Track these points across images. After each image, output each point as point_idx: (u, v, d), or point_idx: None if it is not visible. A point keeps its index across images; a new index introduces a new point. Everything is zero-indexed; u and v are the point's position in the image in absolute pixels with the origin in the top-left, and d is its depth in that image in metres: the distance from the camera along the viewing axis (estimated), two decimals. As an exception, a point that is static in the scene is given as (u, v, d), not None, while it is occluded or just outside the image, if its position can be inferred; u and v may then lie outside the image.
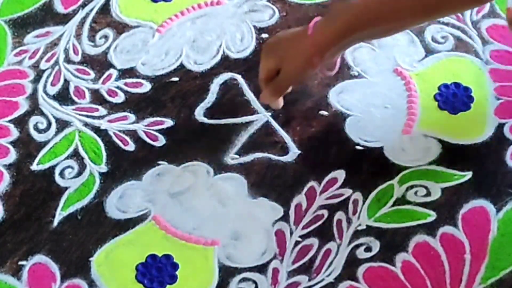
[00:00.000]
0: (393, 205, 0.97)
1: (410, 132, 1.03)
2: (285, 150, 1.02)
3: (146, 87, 1.09)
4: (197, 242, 0.95)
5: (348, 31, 0.92)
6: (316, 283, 0.92)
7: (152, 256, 0.94)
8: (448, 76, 1.08)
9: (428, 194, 0.98)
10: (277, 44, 0.98)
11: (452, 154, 1.00)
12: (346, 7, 0.94)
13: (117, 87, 1.09)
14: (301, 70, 0.96)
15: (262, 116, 1.05)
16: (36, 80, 1.10)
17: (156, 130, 1.05)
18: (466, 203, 0.97)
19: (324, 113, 1.05)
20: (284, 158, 1.02)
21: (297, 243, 0.95)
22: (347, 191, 0.98)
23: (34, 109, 1.07)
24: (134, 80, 1.10)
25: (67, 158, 1.03)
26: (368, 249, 0.94)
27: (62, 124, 1.06)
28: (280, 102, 1.02)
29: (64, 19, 1.16)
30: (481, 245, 0.93)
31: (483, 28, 1.12)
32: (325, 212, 0.97)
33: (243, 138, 1.04)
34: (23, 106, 1.08)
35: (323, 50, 0.94)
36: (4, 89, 1.09)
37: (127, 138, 1.04)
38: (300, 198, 0.98)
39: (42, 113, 1.07)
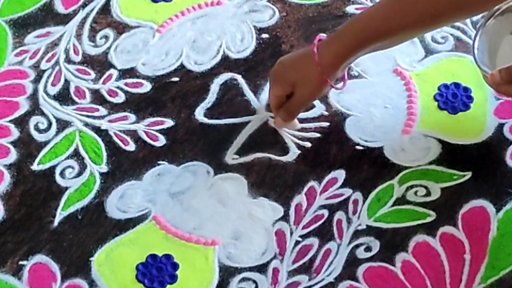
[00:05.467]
0: (393, 205, 0.97)
1: (410, 132, 1.03)
2: (285, 150, 1.02)
3: (147, 87, 1.09)
4: (198, 242, 0.96)
5: (356, 47, 0.93)
6: (316, 283, 0.92)
7: (153, 256, 0.95)
8: (448, 76, 1.08)
9: (428, 194, 0.98)
10: (284, 71, 0.99)
11: (452, 154, 1.01)
12: (351, 24, 0.95)
13: (118, 87, 1.09)
14: (315, 92, 0.98)
15: (262, 116, 1.05)
16: (36, 80, 1.10)
17: (156, 130, 1.05)
18: (466, 203, 0.97)
19: (324, 113, 1.05)
20: (284, 158, 1.02)
21: (297, 243, 0.95)
22: (347, 191, 0.98)
23: (35, 109, 1.07)
24: (135, 80, 1.10)
25: (67, 158, 1.03)
26: (368, 249, 0.94)
27: (63, 124, 1.06)
28: (297, 123, 1.03)
29: (64, 19, 1.16)
30: (481, 245, 0.93)
31: (483, 28, 1.12)
32: (325, 212, 0.97)
33: (243, 138, 1.04)
34: (24, 106, 1.08)
35: (334, 69, 0.95)
36: (4, 89, 1.09)
37: (128, 138, 1.04)
38: (300, 198, 0.98)
39: (42, 113, 1.07)
